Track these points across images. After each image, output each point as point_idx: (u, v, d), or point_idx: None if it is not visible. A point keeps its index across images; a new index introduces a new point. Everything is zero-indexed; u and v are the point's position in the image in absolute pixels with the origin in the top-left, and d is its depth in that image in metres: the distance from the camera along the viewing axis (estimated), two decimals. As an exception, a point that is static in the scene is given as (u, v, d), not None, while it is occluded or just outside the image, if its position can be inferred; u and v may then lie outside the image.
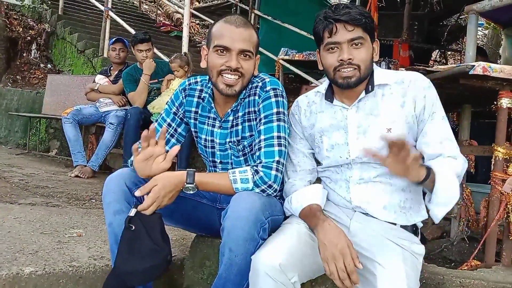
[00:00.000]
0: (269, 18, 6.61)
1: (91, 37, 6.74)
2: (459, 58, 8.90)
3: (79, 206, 2.84)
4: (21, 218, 2.28)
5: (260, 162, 1.50)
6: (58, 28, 7.19)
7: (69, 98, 5.02)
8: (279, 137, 1.53)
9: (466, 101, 2.51)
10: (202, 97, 1.70)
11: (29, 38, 7.25)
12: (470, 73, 1.86)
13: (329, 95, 1.56)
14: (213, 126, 1.69)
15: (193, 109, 1.71)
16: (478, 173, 2.64)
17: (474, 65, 1.86)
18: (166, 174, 1.47)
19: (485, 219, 2.01)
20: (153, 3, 10.05)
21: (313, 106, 1.61)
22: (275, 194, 1.52)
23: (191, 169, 1.50)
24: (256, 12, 6.81)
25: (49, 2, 7.73)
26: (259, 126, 1.56)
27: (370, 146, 1.46)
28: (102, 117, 4.23)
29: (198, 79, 1.73)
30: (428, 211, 1.45)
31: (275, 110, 1.55)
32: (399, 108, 1.46)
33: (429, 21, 6.76)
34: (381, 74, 1.52)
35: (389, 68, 5.51)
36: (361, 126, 1.50)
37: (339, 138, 1.53)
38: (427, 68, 2.17)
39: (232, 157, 1.68)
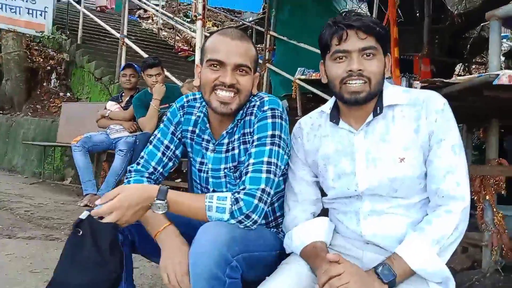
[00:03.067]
0: (285, 38, 6.53)
1: (108, 65, 6.79)
2: (484, 71, 8.58)
3: (79, 238, 2.71)
4: (13, 254, 2.17)
5: (244, 189, 1.31)
6: (76, 57, 7.29)
7: (83, 126, 4.99)
8: (269, 163, 1.34)
9: (492, 115, 2.29)
10: (199, 116, 1.53)
11: (49, 67, 7.38)
12: (494, 83, 1.66)
13: (335, 116, 1.36)
14: (206, 149, 1.51)
15: (191, 128, 1.54)
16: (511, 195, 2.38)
17: (498, 74, 1.66)
18: (136, 185, 1.34)
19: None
20: (171, 30, 10.16)
21: (317, 129, 1.42)
22: (254, 226, 1.32)
23: (164, 186, 1.32)
24: (272, 33, 6.73)
25: (68, 32, 7.87)
26: (251, 149, 1.38)
27: (381, 177, 1.27)
28: (113, 143, 4.15)
29: (197, 96, 1.56)
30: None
31: (270, 132, 1.37)
32: (413, 134, 1.27)
33: (450, 34, 6.53)
34: (391, 93, 1.32)
35: (410, 84, 5.30)
36: (370, 154, 1.30)
37: (345, 166, 1.33)
38: (445, 80, 1.97)
39: (228, 185, 1.49)
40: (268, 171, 1.33)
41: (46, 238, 2.63)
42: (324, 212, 1.46)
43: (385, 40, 1.29)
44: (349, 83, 1.26)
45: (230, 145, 1.46)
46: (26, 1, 7.15)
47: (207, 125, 1.49)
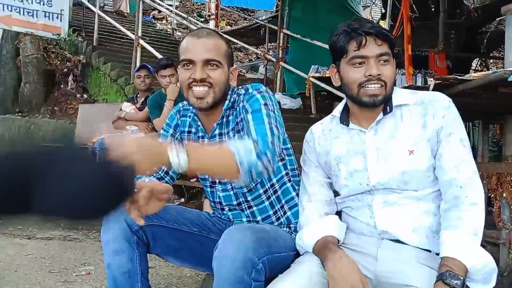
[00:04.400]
0: (298, 36, 6.51)
1: (123, 66, 6.87)
2: (502, 66, 8.42)
3: (96, 239, 2.76)
4: (33, 255, 2.23)
5: (251, 137, 1.32)
6: (92, 59, 7.40)
7: (99, 127, 5.06)
8: (269, 122, 1.37)
9: (509, 111, 2.25)
10: (191, 115, 1.60)
11: (66, 69, 7.50)
12: (510, 79, 1.64)
13: (344, 118, 1.43)
14: (203, 144, 1.55)
15: (187, 129, 1.62)
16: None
17: (513, 71, 1.64)
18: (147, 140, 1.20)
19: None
20: (186, 30, 10.22)
21: (328, 133, 1.48)
22: (271, 169, 1.29)
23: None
24: (285, 31, 6.72)
25: (84, 35, 7.99)
26: (247, 116, 1.40)
27: (391, 170, 1.32)
28: (128, 144, 4.20)
29: None
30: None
31: (262, 102, 1.42)
32: (421, 129, 1.33)
33: (466, 29, 6.44)
34: (399, 94, 1.39)
35: (425, 80, 5.24)
36: (380, 150, 1.35)
37: (357, 164, 1.38)
38: (460, 77, 1.95)
39: None
40: (271, 129, 1.35)
41: (64, 239, 2.68)
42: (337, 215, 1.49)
43: (394, 47, 1.36)
44: (367, 87, 1.32)
45: (224, 136, 1.52)
46: (43, 5, 7.27)
47: (198, 123, 1.56)
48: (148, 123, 4.23)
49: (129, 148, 1.08)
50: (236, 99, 1.51)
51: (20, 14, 7.11)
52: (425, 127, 1.32)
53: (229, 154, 1.24)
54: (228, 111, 1.51)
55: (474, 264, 1.16)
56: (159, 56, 5.84)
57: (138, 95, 4.62)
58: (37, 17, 7.22)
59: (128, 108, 4.47)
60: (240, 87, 1.54)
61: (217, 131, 1.52)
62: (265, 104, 1.42)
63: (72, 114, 7.08)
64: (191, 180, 4.08)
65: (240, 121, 1.47)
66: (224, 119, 1.51)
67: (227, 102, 1.49)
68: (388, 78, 1.32)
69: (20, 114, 7.03)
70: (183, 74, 1.45)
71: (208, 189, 1.62)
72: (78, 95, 7.40)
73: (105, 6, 10.41)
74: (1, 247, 2.39)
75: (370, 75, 1.30)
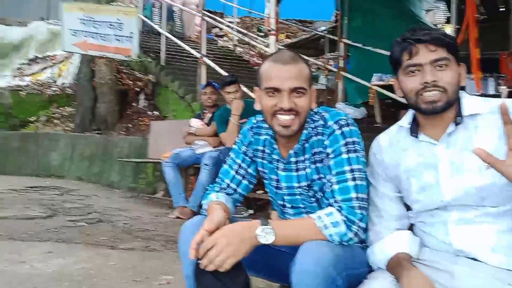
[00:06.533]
0: (359, 45, 6.47)
1: (189, 83, 7.17)
2: None
3: (174, 249, 2.92)
4: (117, 265, 2.41)
5: (336, 201, 1.36)
6: (161, 78, 7.80)
7: (170, 142, 5.34)
8: (352, 170, 1.39)
9: None
10: (268, 136, 1.61)
11: (137, 89, 7.97)
12: None
13: (414, 130, 1.39)
14: (277, 168, 1.60)
15: (260, 147, 1.63)
16: None
17: None
18: (233, 224, 1.36)
19: None
20: (246, 45, 10.47)
21: (396, 144, 1.44)
22: (363, 235, 1.36)
23: (264, 220, 1.32)
24: (345, 41, 6.70)
25: (153, 55, 8.45)
26: (328, 162, 1.43)
27: (467, 186, 1.27)
28: (198, 158, 4.41)
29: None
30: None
31: (342, 142, 1.42)
32: (497, 140, 1.25)
33: (541, 27, 6.05)
34: (471, 102, 1.32)
35: (498, 84, 4.99)
36: (454, 163, 1.30)
37: (429, 178, 1.34)
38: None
39: (304, 202, 1.57)
40: (354, 178, 1.38)
41: (145, 249, 2.87)
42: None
43: (457, 51, 1.31)
44: (424, 94, 1.29)
45: (300, 164, 1.53)
46: (115, 29, 7.78)
47: (274, 146, 1.57)
48: (216, 137, 4.44)
49: (220, 242, 1.27)
50: (313, 127, 1.50)
51: (94, 39, 7.67)
52: (502, 138, 1.24)
53: (315, 229, 1.31)
54: (305, 141, 1.51)
55: None
56: (223, 72, 6.07)
57: (205, 111, 4.87)
58: (109, 41, 7.75)
59: (196, 123, 4.71)
60: (315, 111, 1.53)
61: (293, 159, 1.54)
62: (346, 144, 1.42)
63: (144, 130, 7.50)
64: (258, 192, 4.19)
65: (318, 153, 1.48)
66: (301, 146, 1.52)
67: (305, 132, 1.50)
68: (447, 83, 1.27)
69: (97, 132, 7.55)
70: (267, 101, 1.45)
71: (279, 208, 1.65)
72: (149, 112, 7.82)
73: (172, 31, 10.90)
74: (89, 257, 2.60)
75: (425, 83, 1.28)
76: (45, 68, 10.22)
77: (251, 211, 3.88)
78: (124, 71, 8.23)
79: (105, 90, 7.82)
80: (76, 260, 2.55)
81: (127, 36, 7.85)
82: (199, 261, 1.30)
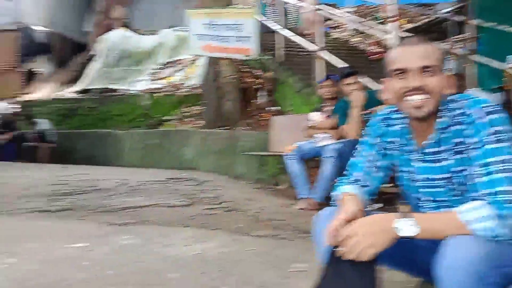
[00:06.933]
0: (491, 25, 5.96)
1: (306, 78, 7.30)
2: None
3: (303, 239, 3.05)
4: (251, 250, 2.62)
5: (484, 195, 1.28)
6: (279, 74, 8.05)
7: (289, 136, 5.52)
8: (502, 161, 1.28)
9: None
10: (402, 126, 1.59)
11: (257, 86, 8.34)
12: None
13: None
14: (412, 159, 1.57)
15: (394, 138, 1.61)
16: None
17: None
18: (371, 215, 1.36)
19: None
20: (361, 35, 10.23)
21: None
22: None
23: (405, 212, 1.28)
24: (473, 22, 6.22)
25: (269, 52, 8.74)
26: (473, 153, 1.36)
27: None
28: (318, 151, 4.51)
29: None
30: None
31: (489, 130, 1.33)
32: None
33: None
34: None
35: None
36: None
37: None
38: None
39: (443, 195, 1.52)
40: (504, 170, 1.29)
41: (275, 237, 3.06)
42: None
43: None
44: None
45: (438, 155, 1.48)
46: (235, 31, 8.20)
47: (409, 136, 1.54)
48: (337, 130, 4.49)
49: (361, 231, 1.27)
50: (450, 115, 1.45)
51: (216, 41, 8.17)
52: None
53: (460, 223, 1.23)
54: (443, 130, 1.47)
55: None
56: (339, 64, 6.06)
57: (324, 104, 4.94)
58: (230, 42, 8.20)
59: (316, 117, 4.81)
60: (452, 99, 1.47)
61: (430, 149, 1.49)
62: (494, 133, 1.33)
63: (264, 125, 7.83)
64: (385, 186, 4.14)
65: (459, 143, 1.43)
66: (438, 136, 1.47)
67: (442, 120, 1.46)
68: None
69: (223, 128, 8.09)
70: (396, 84, 1.42)
71: (414, 201, 1.63)
72: (268, 108, 8.14)
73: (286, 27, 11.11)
74: (227, 242, 2.86)
75: None
76: (177, 71, 11.19)
77: (380, 205, 3.86)
78: (245, 70, 8.67)
79: (229, 89, 8.32)
80: (216, 245, 2.82)
81: (246, 36, 8.22)
82: (335, 249, 1.33)
